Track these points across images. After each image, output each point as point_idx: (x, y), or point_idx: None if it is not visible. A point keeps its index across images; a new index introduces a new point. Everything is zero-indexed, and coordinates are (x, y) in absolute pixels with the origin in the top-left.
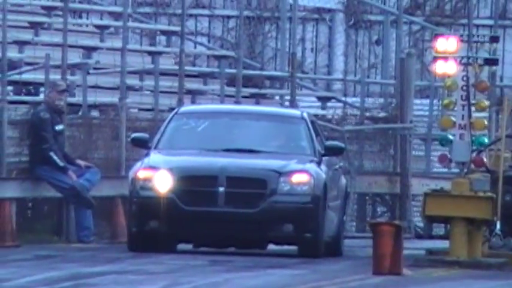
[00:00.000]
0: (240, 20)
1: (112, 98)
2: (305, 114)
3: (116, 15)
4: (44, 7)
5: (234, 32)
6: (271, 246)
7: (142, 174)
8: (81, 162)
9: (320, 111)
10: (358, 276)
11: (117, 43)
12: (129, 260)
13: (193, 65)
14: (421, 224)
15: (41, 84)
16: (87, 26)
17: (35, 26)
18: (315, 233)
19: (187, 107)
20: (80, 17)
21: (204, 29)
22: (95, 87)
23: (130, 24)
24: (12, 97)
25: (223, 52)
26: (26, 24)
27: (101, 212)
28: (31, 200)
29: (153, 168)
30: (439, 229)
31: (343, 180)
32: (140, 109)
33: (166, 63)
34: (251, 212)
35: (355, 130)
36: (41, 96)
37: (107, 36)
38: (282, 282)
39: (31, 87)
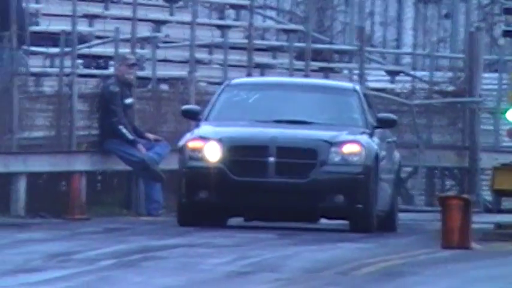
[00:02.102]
0: None
1: (181, 71)
2: (357, 87)
3: None
4: None
5: (303, 6)
6: (324, 221)
7: (192, 144)
8: (151, 136)
9: (389, 85)
10: (427, 250)
11: (187, 17)
12: (198, 234)
13: (262, 38)
14: (490, 198)
15: (111, 58)
16: None
17: (105, 0)
18: (366, 204)
19: (239, 79)
20: None
21: (273, 2)
22: (164, 60)
23: None
24: (82, 70)
25: (292, 26)
26: None
27: (170, 185)
28: (101, 173)
29: (203, 138)
30: (508, 203)
31: (397, 154)
32: (209, 83)
33: (235, 37)
34: (301, 182)
35: (423, 104)
36: (111, 70)
37: (176, 10)
38: (351, 256)
39: (101, 61)
